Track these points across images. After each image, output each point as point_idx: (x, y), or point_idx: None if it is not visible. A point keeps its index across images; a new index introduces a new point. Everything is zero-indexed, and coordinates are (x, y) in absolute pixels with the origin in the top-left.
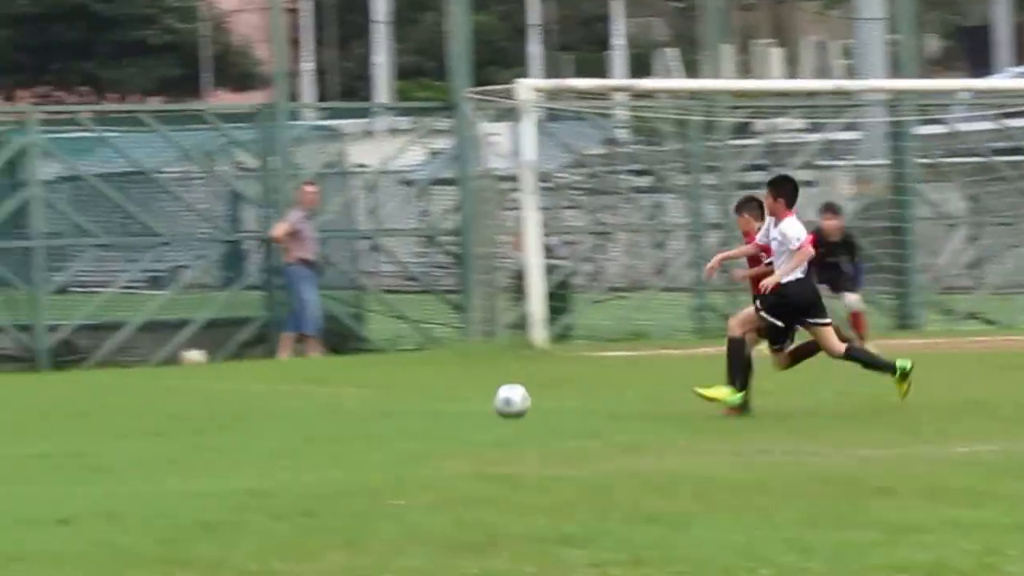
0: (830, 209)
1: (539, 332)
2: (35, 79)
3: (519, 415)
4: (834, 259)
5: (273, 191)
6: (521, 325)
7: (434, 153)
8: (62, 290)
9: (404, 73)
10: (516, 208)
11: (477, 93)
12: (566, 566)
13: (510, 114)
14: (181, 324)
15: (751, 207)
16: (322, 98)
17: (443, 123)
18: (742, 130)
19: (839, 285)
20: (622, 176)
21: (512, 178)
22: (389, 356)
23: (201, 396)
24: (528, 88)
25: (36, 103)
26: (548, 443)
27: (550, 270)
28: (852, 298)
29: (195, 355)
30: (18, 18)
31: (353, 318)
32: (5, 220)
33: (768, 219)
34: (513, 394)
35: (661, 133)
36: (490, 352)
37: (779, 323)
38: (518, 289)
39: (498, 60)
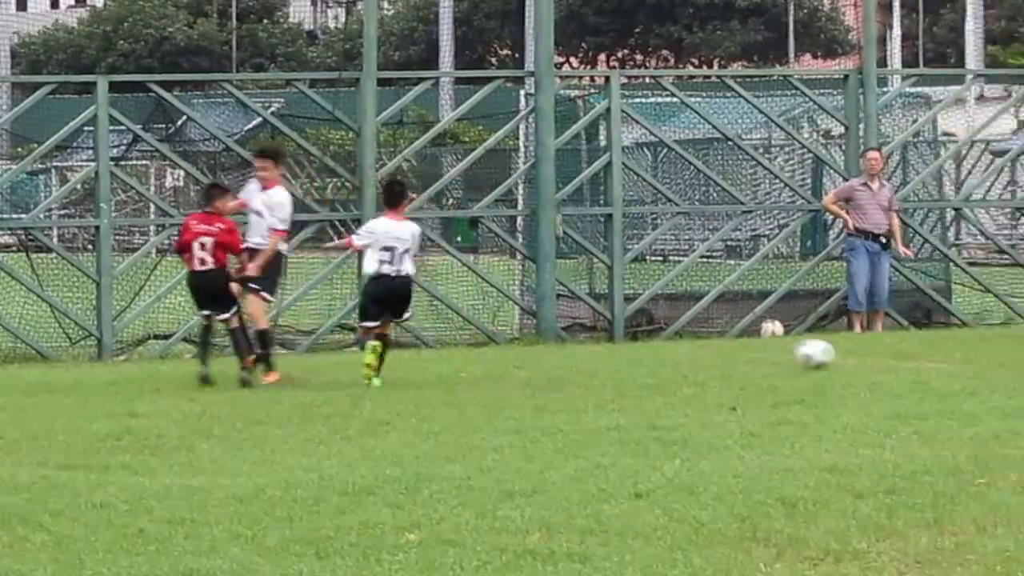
0: None
1: None
2: (617, 43)
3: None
4: None
5: (857, 160)
6: None
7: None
8: (640, 258)
9: (995, 39)
10: None
11: None
12: None
13: None
14: (760, 295)
15: None
16: (910, 64)
17: None
18: None
19: None
20: None
21: None
22: (975, 330)
23: (780, 369)
24: None
25: (616, 67)
26: None
27: None
28: None
29: (774, 327)
30: None
31: (939, 291)
32: (583, 186)
33: None
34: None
35: None
36: None
37: None
38: None
39: None
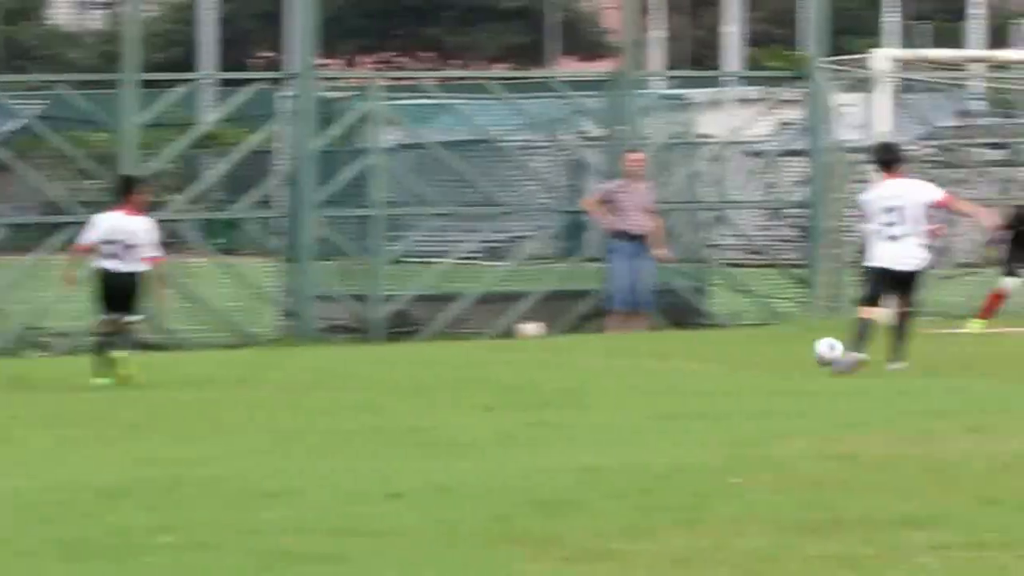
0: None
1: (885, 309)
2: (378, 45)
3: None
4: None
5: (618, 161)
6: None
7: (783, 124)
8: (400, 260)
9: (755, 41)
10: (866, 181)
11: (831, 62)
12: (906, 548)
13: (863, 84)
14: (518, 296)
15: None
16: (670, 67)
17: (794, 93)
18: None
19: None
20: (975, 150)
21: (863, 150)
22: (731, 331)
23: (537, 370)
24: (883, 58)
25: (379, 69)
26: (892, 422)
27: None
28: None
29: (531, 328)
30: None
31: (695, 292)
32: (343, 188)
33: None
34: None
35: (1017, 106)
36: (834, 328)
37: None
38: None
39: (852, 29)
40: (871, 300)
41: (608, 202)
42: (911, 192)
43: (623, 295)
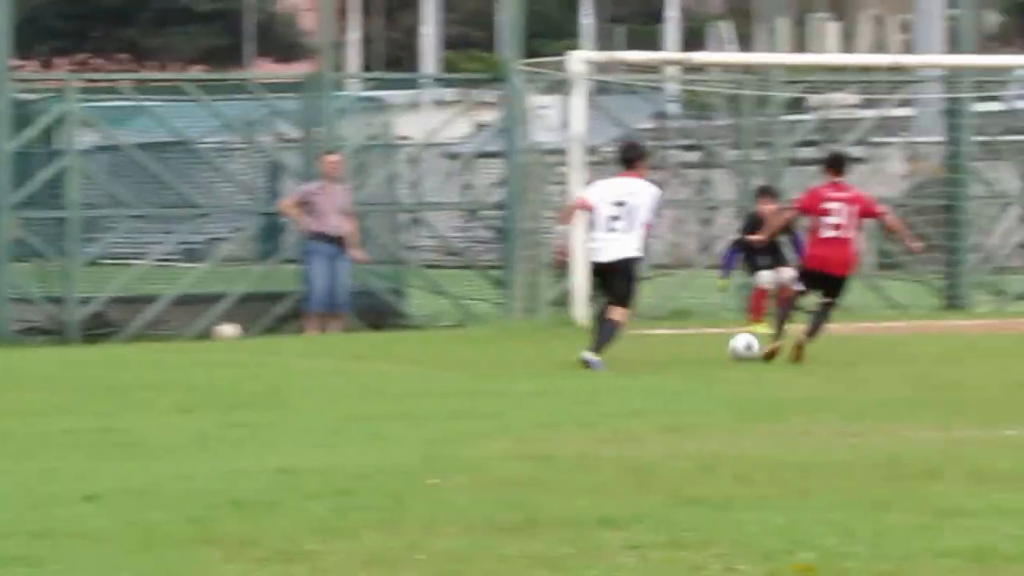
0: (767, 193)
1: (581, 309)
2: (74, 46)
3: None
4: (774, 240)
5: (315, 163)
6: (563, 302)
7: (480, 126)
8: (95, 262)
9: (452, 44)
10: (562, 183)
11: (527, 65)
12: (605, 548)
13: (560, 87)
14: (215, 298)
15: None
16: (368, 69)
17: (491, 95)
18: (796, 105)
19: (779, 264)
20: (671, 151)
21: (559, 152)
22: (429, 333)
23: (235, 372)
24: (579, 60)
25: (75, 71)
26: (588, 423)
27: None
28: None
29: (229, 330)
30: None
31: (393, 293)
32: (40, 190)
33: None
34: (752, 340)
35: (713, 107)
36: (531, 329)
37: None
38: (561, 265)
39: (548, 32)
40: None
41: (306, 204)
42: (642, 190)
43: (320, 296)
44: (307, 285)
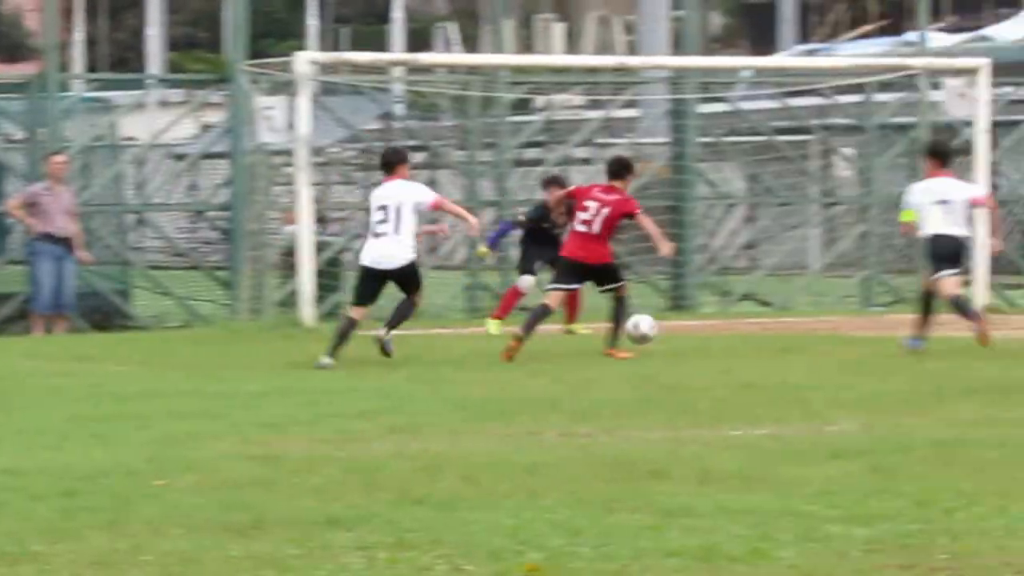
0: (555, 182)
1: (308, 310)
2: None
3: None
4: (557, 232)
5: (40, 164)
6: (289, 303)
7: (206, 126)
8: None
9: (177, 44)
10: (288, 184)
11: (252, 65)
12: (332, 549)
13: (286, 87)
14: None
15: None
16: (93, 69)
17: (216, 96)
18: (522, 106)
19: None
20: None
21: (285, 153)
22: (155, 333)
23: None
24: (305, 61)
25: None
26: (315, 423)
27: (320, 247)
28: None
29: None
30: None
31: (118, 294)
32: None
33: None
34: (643, 321)
35: (440, 108)
36: (257, 330)
37: None
38: (287, 266)
39: (274, 32)
40: (359, 300)
41: (32, 205)
42: (403, 192)
43: (46, 297)
44: (33, 286)
